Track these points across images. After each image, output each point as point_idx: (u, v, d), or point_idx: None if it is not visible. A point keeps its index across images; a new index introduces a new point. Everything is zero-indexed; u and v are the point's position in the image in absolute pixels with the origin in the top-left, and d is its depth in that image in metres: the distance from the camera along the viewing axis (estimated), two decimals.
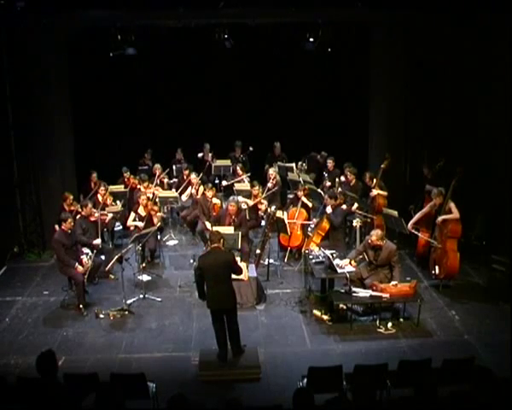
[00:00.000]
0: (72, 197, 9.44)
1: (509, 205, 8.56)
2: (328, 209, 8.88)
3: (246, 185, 10.68)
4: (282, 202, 10.66)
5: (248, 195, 10.13)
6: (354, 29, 10.66)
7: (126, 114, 12.30)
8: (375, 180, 9.63)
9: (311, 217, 9.69)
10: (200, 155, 12.41)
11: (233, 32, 10.26)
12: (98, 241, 8.73)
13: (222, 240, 6.62)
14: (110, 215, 9.47)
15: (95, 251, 8.43)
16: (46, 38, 9.54)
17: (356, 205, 9.65)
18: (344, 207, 9.27)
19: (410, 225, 8.71)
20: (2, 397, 5.04)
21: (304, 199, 9.65)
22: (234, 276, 6.65)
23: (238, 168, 11.38)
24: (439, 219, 8.38)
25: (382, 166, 9.54)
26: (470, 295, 8.38)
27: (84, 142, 11.21)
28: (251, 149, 12.26)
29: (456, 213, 8.26)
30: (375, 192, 9.52)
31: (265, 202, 9.88)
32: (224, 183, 11.60)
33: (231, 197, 9.31)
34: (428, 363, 5.74)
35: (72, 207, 9.28)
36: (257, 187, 9.98)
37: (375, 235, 7.69)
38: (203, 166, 12.26)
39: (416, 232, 8.78)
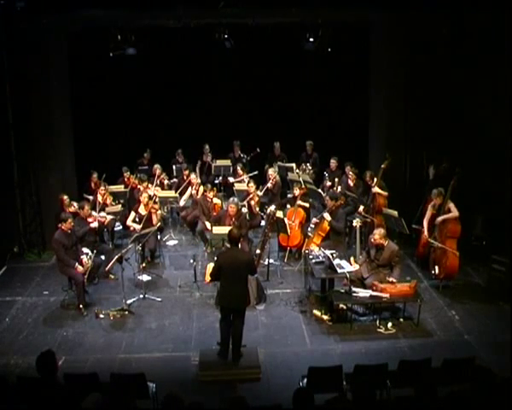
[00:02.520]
0: (66, 197, 9.42)
1: (509, 205, 8.56)
2: (327, 216, 8.82)
3: (245, 185, 10.66)
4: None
5: (247, 194, 10.11)
6: (354, 29, 10.66)
7: (126, 113, 12.30)
8: (375, 179, 9.63)
9: (311, 217, 9.68)
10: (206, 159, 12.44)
11: (233, 32, 10.26)
12: (95, 224, 8.82)
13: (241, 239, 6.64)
14: (109, 217, 9.43)
15: (95, 251, 8.43)
16: (46, 38, 9.54)
17: (362, 207, 9.66)
18: (345, 209, 9.30)
19: (425, 236, 8.64)
20: (2, 397, 5.04)
21: (300, 202, 9.61)
22: None
23: (238, 168, 11.37)
24: (439, 219, 8.39)
25: (383, 166, 9.53)
26: (470, 295, 8.38)
27: (84, 142, 11.21)
28: (258, 150, 12.24)
29: (455, 212, 8.27)
30: (374, 190, 9.51)
31: (256, 198, 9.86)
32: (231, 179, 11.50)
33: (231, 198, 9.32)
34: (428, 363, 5.74)
35: (70, 209, 9.26)
36: (251, 183, 9.96)
37: (378, 233, 7.70)
38: (202, 167, 12.30)
39: (432, 241, 8.56)
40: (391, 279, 7.52)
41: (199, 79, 12.21)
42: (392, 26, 9.97)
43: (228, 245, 6.97)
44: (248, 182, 10.11)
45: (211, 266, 7.35)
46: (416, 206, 9.59)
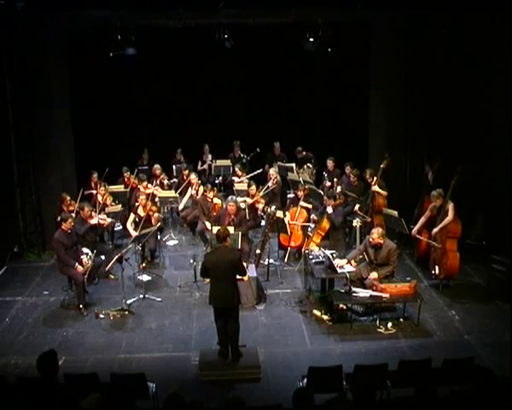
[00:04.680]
0: (69, 198, 9.45)
1: (509, 205, 8.56)
2: (329, 209, 8.89)
3: (245, 185, 10.67)
4: (282, 202, 10.65)
5: (247, 195, 10.12)
6: (354, 29, 10.65)
7: (126, 113, 12.30)
8: (375, 178, 9.62)
9: (311, 217, 9.68)
10: (205, 166, 12.45)
11: (233, 32, 10.25)
12: (95, 220, 8.82)
13: (228, 238, 6.62)
14: (109, 220, 9.38)
15: (95, 251, 8.43)
16: (46, 38, 9.55)
17: (358, 206, 9.67)
18: (345, 209, 9.32)
19: (414, 231, 8.71)
20: (2, 397, 5.04)
21: (303, 203, 9.62)
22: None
23: (237, 169, 11.37)
24: (435, 230, 8.38)
25: (382, 166, 9.54)
26: (470, 295, 8.38)
27: (84, 142, 11.21)
28: (258, 150, 12.25)
29: (450, 216, 8.26)
30: (374, 188, 9.51)
31: (263, 201, 9.86)
32: (236, 179, 11.39)
33: (230, 197, 9.33)
34: (428, 363, 5.74)
35: (71, 207, 9.31)
36: (253, 187, 9.95)
37: (377, 232, 7.69)
38: (204, 169, 12.32)
39: (419, 237, 8.75)
40: (374, 275, 7.53)
41: (199, 79, 12.20)
42: (392, 26, 9.97)
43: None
44: (250, 185, 10.06)
45: None
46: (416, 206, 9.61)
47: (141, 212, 9.41)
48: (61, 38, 9.98)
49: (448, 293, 8.41)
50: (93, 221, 8.82)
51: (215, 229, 8.61)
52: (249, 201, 9.84)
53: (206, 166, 12.44)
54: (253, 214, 9.87)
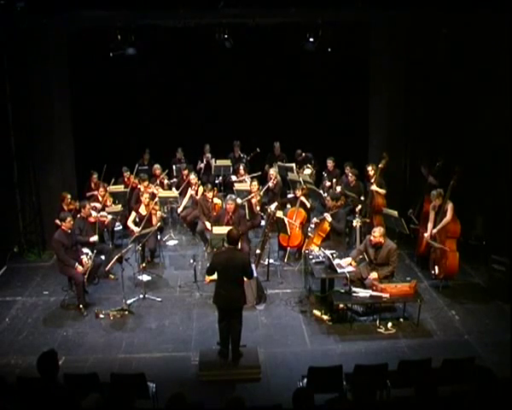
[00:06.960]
0: (69, 196, 9.47)
1: (508, 205, 8.56)
2: (328, 217, 8.84)
3: (246, 185, 10.66)
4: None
5: (248, 194, 10.12)
6: (354, 29, 10.65)
7: (126, 113, 12.30)
8: (374, 177, 9.61)
9: (311, 217, 9.68)
10: (201, 165, 12.44)
11: (233, 32, 10.25)
12: (95, 238, 8.76)
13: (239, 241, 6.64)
14: (110, 217, 9.43)
15: (95, 251, 8.43)
16: (46, 38, 9.55)
17: (359, 207, 9.66)
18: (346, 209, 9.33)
19: (427, 237, 8.57)
20: (2, 397, 5.03)
21: (303, 199, 9.64)
22: None
23: (241, 168, 11.37)
24: (434, 230, 8.37)
25: (380, 165, 9.54)
26: (470, 295, 8.39)
27: (84, 142, 11.21)
28: (258, 150, 12.25)
29: (448, 216, 8.25)
30: (373, 188, 9.51)
31: (259, 197, 9.86)
32: (234, 178, 11.43)
33: (229, 196, 9.35)
34: (428, 363, 5.74)
35: (71, 206, 9.31)
36: (254, 182, 9.98)
37: (378, 231, 7.69)
38: (206, 168, 12.31)
39: (432, 242, 8.55)
40: (374, 275, 7.54)
41: (199, 79, 12.20)
42: (392, 26, 9.97)
43: (226, 245, 6.96)
44: (252, 180, 10.14)
45: None
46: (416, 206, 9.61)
47: (142, 211, 9.41)
48: (60, 38, 9.98)
49: (448, 293, 8.42)
50: (92, 239, 8.74)
51: (215, 229, 8.66)
52: (242, 201, 9.80)
53: (202, 165, 12.40)
54: (252, 215, 9.85)
